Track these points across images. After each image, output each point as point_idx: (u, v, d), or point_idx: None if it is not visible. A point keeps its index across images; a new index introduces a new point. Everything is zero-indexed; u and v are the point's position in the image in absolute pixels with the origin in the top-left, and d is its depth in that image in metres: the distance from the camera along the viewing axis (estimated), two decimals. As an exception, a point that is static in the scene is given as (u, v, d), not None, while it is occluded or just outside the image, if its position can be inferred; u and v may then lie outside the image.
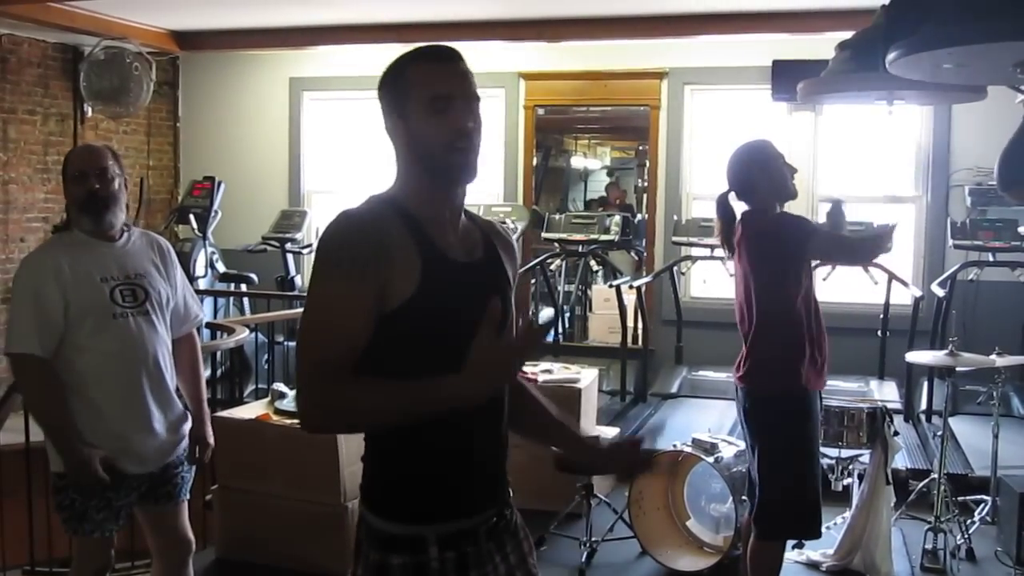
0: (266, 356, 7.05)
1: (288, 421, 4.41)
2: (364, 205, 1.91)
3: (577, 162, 11.01)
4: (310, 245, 8.22)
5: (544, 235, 7.88)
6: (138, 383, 3.11)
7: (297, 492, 4.29)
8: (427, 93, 1.84)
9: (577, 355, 7.73)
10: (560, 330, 8.65)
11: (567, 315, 9.03)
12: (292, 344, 7.23)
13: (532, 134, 8.68)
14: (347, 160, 9.00)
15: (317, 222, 8.39)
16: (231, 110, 9.31)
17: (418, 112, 1.85)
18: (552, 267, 8.26)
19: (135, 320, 3.11)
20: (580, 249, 7.81)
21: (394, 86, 1.89)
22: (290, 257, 8.34)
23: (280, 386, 4.82)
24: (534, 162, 8.82)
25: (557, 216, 7.98)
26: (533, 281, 8.77)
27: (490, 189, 8.56)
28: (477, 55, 8.62)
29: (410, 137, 1.87)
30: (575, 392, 5.31)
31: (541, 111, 8.77)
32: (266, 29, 8.17)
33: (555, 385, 5.39)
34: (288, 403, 4.59)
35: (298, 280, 8.36)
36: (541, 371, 5.56)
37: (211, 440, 3.40)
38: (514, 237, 7.61)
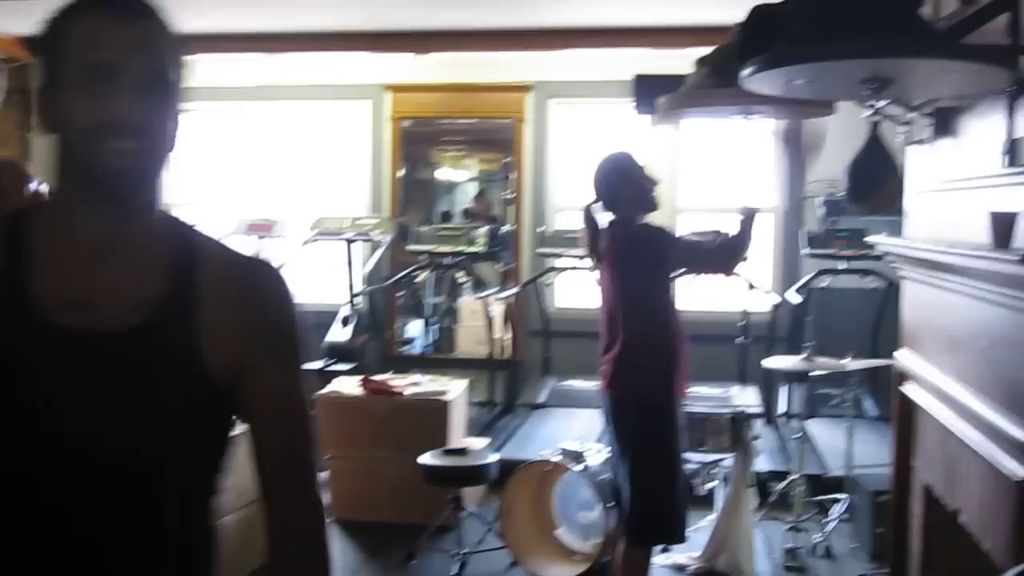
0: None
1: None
2: None
3: (443, 174, 10.99)
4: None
5: (410, 247, 7.84)
6: None
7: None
8: (80, 59, 1.27)
9: (445, 367, 7.70)
10: (427, 342, 8.63)
11: (434, 327, 9.00)
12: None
13: (398, 146, 8.65)
14: (210, 171, 8.79)
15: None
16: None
17: (68, 85, 1.28)
18: (419, 279, 8.23)
19: None
20: (447, 261, 7.81)
21: (45, 45, 1.31)
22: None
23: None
24: (400, 174, 8.79)
25: (423, 228, 7.95)
26: (400, 293, 8.73)
27: (356, 201, 8.49)
28: (342, 67, 8.58)
29: (55, 118, 1.30)
30: (443, 405, 5.30)
31: (407, 123, 8.74)
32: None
33: (423, 398, 5.37)
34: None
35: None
36: (409, 384, 5.53)
37: None
38: (379, 250, 7.61)
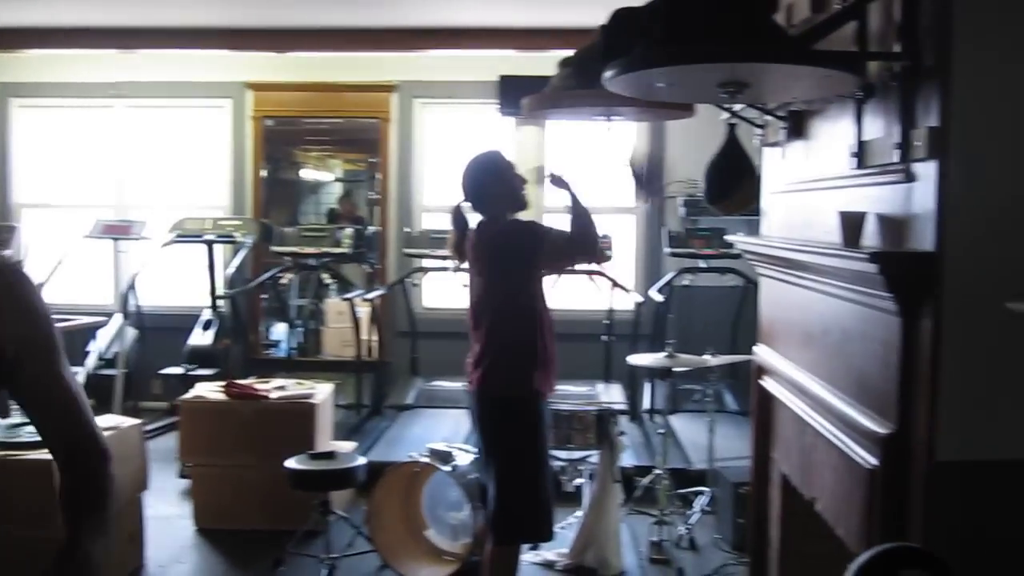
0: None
1: (0, 452, 4.11)
2: None
3: (308, 174, 10.83)
4: (20, 263, 7.66)
5: (274, 249, 7.71)
6: None
7: None
8: None
9: (311, 370, 7.60)
10: (293, 345, 8.50)
11: (300, 330, 8.87)
12: None
13: (260, 146, 8.48)
14: (64, 171, 8.49)
15: (28, 237, 7.84)
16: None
17: None
18: (283, 281, 8.10)
19: None
20: (312, 263, 7.70)
21: None
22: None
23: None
24: (263, 174, 8.62)
25: (288, 229, 7.82)
26: (264, 296, 8.57)
27: (217, 202, 8.30)
28: (202, 64, 8.38)
29: None
30: (310, 408, 5.22)
31: (270, 122, 8.58)
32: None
33: (289, 401, 5.29)
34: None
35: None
36: (274, 387, 5.43)
37: None
38: (242, 252, 7.45)
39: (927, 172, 2.18)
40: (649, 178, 4.37)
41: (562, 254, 3.85)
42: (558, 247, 3.83)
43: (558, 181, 3.94)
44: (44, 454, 3.95)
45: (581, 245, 3.87)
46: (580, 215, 3.86)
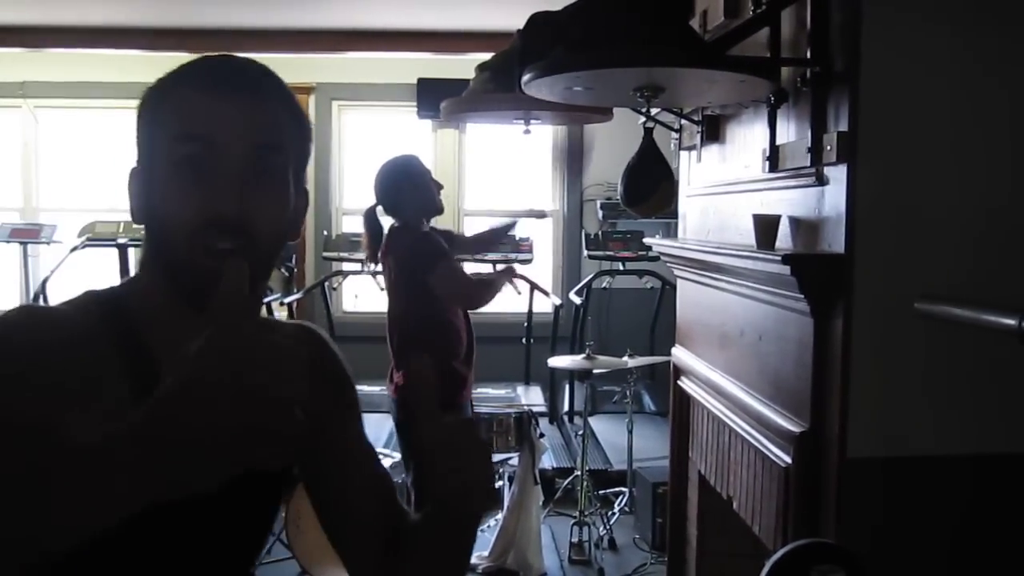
0: None
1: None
2: (66, 305, 1.15)
3: (224, 177, 10.71)
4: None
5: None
6: None
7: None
8: (174, 143, 1.10)
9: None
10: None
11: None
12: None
13: (175, 148, 8.34)
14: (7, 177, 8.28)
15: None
16: None
17: (161, 171, 1.12)
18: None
19: None
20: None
21: (141, 125, 1.18)
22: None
23: None
24: (178, 177, 8.48)
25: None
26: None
27: (119, 205, 8.14)
28: (115, 65, 8.21)
29: (150, 208, 1.14)
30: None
31: (184, 124, 8.44)
32: None
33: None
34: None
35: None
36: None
37: None
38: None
39: (838, 176, 2.22)
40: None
41: (445, 293, 3.83)
42: (444, 285, 3.80)
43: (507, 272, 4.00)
44: None
45: (469, 302, 3.90)
46: (491, 292, 3.90)
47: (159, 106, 1.14)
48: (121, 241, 7.17)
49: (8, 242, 7.44)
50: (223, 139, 1.08)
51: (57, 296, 7.43)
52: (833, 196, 2.25)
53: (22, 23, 7.13)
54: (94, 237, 7.19)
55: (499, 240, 4.42)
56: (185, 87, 1.12)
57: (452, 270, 3.83)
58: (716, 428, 3.11)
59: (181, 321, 1.08)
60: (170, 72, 1.16)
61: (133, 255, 7.39)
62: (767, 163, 2.60)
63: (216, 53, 1.18)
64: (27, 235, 7.45)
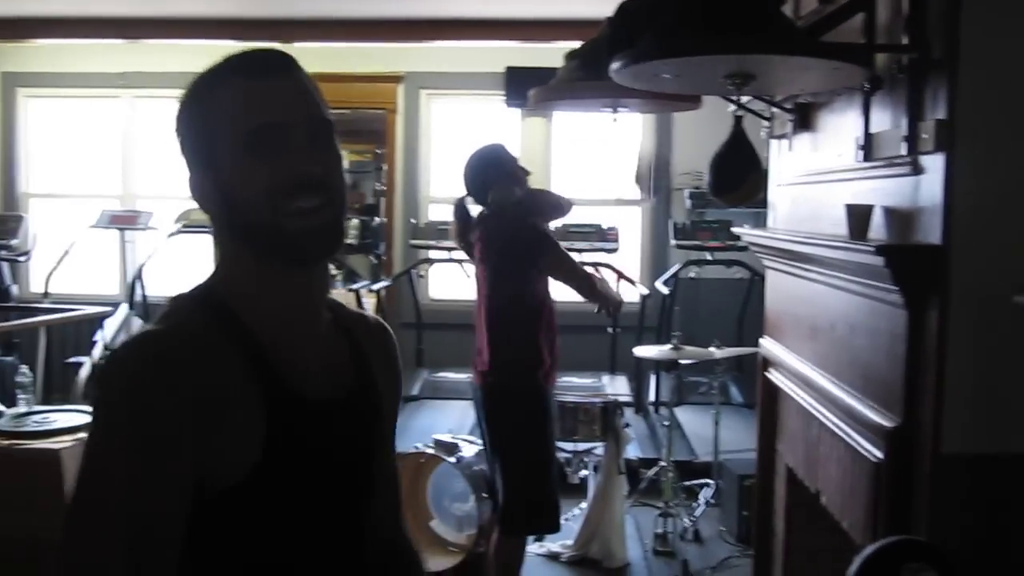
0: (-22, 372, 6.53)
1: (6, 442, 4.11)
2: (174, 319, 1.26)
3: (314, 165, 10.86)
4: (28, 252, 7.69)
5: (281, 239, 7.72)
6: None
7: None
8: (242, 125, 1.23)
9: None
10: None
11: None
12: (8, 359, 6.75)
13: (267, 136, 8.48)
14: (71, 161, 8.50)
15: (36, 227, 7.85)
16: (-67, 107, 8.58)
17: (231, 157, 1.24)
18: (290, 272, 8.11)
19: None
20: (318, 253, 7.70)
21: (196, 119, 1.29)
22: (5, 265, 7.76)
23: (-6, 404, 4.49)
24: (269, 165, 8.63)
25: (295, 220, 7.83)
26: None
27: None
28: (208, 55, 8.36)
29: (222, 197, 1.26)
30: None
31: (276, 113, 8.58)
32: (-28, 20, 7.58)
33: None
34: (5, 422, 4.28)
35: (14, 289, 7.80)
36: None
37: None
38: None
39: (934, 165, 2.17)
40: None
41: (559, 277, 3.84)
42: (554, 269, 3.81)
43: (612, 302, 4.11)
44: (50, 443, 3.98)
45: (580, 290, 3.92)
46: (601, 296, 3.91)
47: (214, 99, 1.26)
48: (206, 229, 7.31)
49: (108, 228, 7.65)
50: (287, 116, 1.24)
51: (153, 281, 7.65)
52: (929, 186, 2.20)
53: (122, 15, 7.32)
54: (189, 224, 7.36)
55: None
56: (238, 78, 1.25)
57: (562, 255, 3.86)
58: (805, 421, 3.07)
59: (281, 305, 1.28)
60: (211, 70, 1.28)
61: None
62: (861, 152, 2.55)
63: (256, 46, 1.31)
64: (125, 221, 7.66)
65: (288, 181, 1.22)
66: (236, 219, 1.26)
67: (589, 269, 5.47)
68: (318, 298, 1.35)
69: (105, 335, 7.51)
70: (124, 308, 7.46)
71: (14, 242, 7.69)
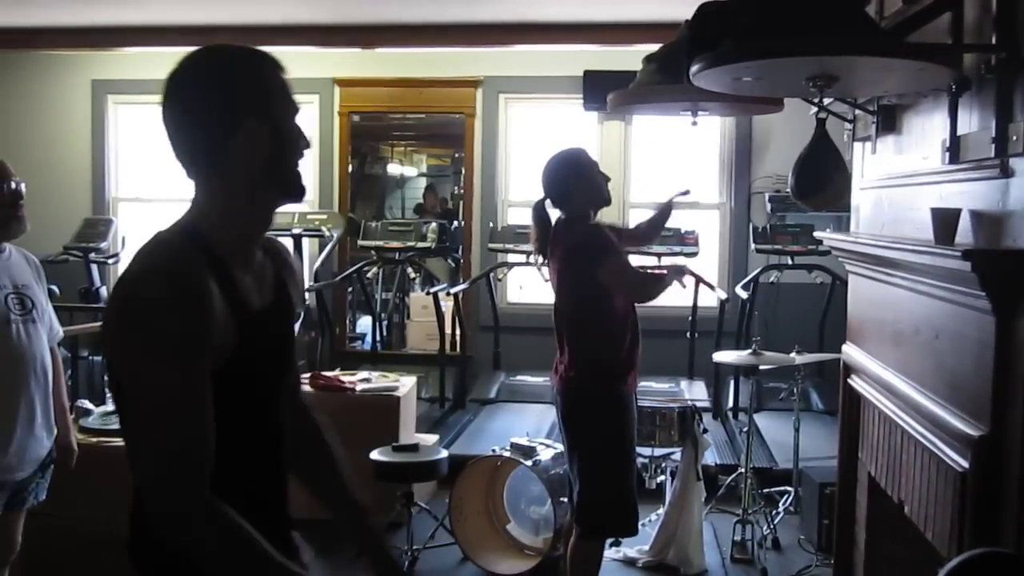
0: (69, 371, 6.72)
1: (94, 439, 4.22)
2: (169, 251, 1.61)
3: (394, 169, 10.96)
4: (116, 255, 7.90)
5: (360, 243, 7.82)
6: (26, 388, 3.22)
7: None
8: (291, 101, 1.72)
9: (395, 363, 7.70)
10: (377, 338, 8.60)
11: (384, 323, 8.98)
12: (97, 359, 6.94)
13: (347, 141, 8.60)
14: (157, 167, 8.70)
15: (124, 230, 8.06)
16: (27, 113, 8.84)
17: (285, 119, 1.70)
18: (369, 275, 8.21)
19: (24, 327, 3.22)
20: (397, 256, 7.79)
21: (256, 84, 1.68)
22: (94, 268, 7.98)
23: (84, 403, 4.61)
24: (349, 169, 8.75)
25: (374, 223, 7.94)
26: (350, 289, 8.69)
27: (305, 196, 8.42)
28: (290, 60, 8.49)
29: (277, 143, 1.68)
30: (394, 400, 5.28)
31: (356, 118, 8.70)
32: (65, 28, 7.79)
33: (373, 394, 5.35)
34: (94, 420, 4.40)
35: (103, 291, 8.01)
36: (359, 380, 5.50)
37: (76, 446, 3.56)
38: (329, 246, 7.56)
39: (1024, 167, 2.12)
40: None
41: (613, 288, 3.79)
42: (613, 281, 3.77)
43: (676, 270, 3.96)
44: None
45: (636, 295, 3.86)
46: (657, 288, 3.85)
47: (273, 76, 1.72)
48: (296, 231, 7.44)
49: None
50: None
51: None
52: (1019, 189, 2.15)
53: (207, 23, 7.47)
54: (271, 227, 7.48)
55: (667, 215, 4.36)
56: (278, 69, 1.73)
57: (621, 264, 3.82)
58: (888, 429, 3.02)
59: (248, 233, 1.73)
60: (255, 52, 1.73)
61: (307, 244, 7.67)
62: (947, 154, 2.51)
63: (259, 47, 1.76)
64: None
65: (305, 143, 1.75)
66: (282, 161, 1.71)
67: (655, 270, 5.40)
68: (260, 237, 1.78)
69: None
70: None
71: (103, 245, 7.91)
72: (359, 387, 5.40)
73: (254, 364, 1.67)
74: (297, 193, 1.77)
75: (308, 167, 8.32)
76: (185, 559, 1.56)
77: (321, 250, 7.73)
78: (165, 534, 1.55)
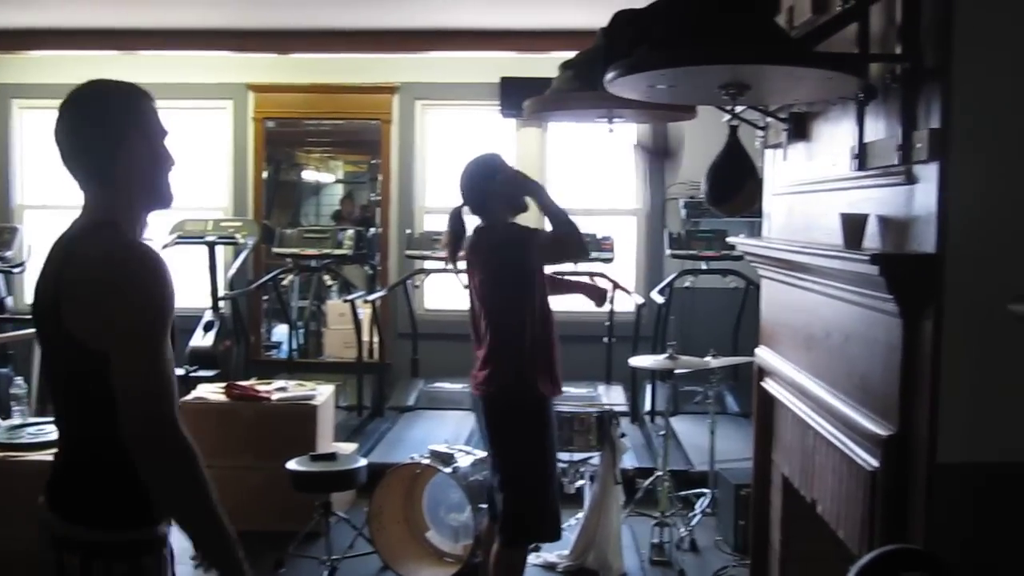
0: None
1: (1, 454, 4.11)
2: (123, 237, 1.99)
3: (309, 176, 10.86)
4: (23, 264, 7.67)
5: (276, 250, 7.72)
6: None
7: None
8: (162, 127, 2.09)
9: (312, 371, 7.62)
10: (294, 346, 8.50)
11: (301, 331, 8.88)
12: (3, 371, 6.75)
13: (262, 147, 8.49)
14: (66, 173, 8.48)
15: (31, 239, 7.84)
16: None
17: (157, 142, 2.06)
18: (285, 283, 8.11)
19: None
20: (313, 264, 7.71)
21: (140, 109, 2.07)
22: (0, 277, 7.76)
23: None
24: (264, 176, 8.63)
25: (289, 231, 7.84)
26: (266, 297, 8.57)
27: (218, 203, 8.30)
28: (203, 66, 8.39)
29: (147, 161, 2.03)
30: (311, 409, 5.23)
31: (271, 124, 8.59)
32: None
33: (290, 403, 5.29)
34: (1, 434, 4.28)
35: (9, 301, 7.79)
36: (276, 389, 5.43)
37: None
38: (244, 253, 7.45)
39: (929, 174, 2.18)
40: (662, 150, 4.39)
41: (553, 252, 3.83)
42: (548, 245, 3.81)
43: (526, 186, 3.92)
44: (46, 455, 3.97)
45: (566, 244, 3.84)
46: (556, 214, 3.83)
47: (150, 106, 2.11)
48: (210, 239, 7.32)
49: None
50: None
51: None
52: (924, 195, 2.21)
53: (117, 27, 7.34)
54: (184, 235, 7.36)
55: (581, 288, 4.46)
56: (143, 97, 2.11)
57: (546, 236, 3.83)
58: (800, 430, 3.07)
59: (143, 231, 2.09)
60: (135, 88, 2.13)
61: (221, 252, 7.55)
62: (855, 161, 2.56)
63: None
64: (119, 232, 7.62)
65: (173, 163, 2.11)
66: (149, 181, 2.06)
67: (584, 279, 5.46)
68: None
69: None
70: (119, 319, 7.44)
71: (8, 253, 7.68)
72: (275, 396, 5.33)
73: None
74: (169, 203, 2.11)
75: (223, 174, 8.23)
76: (118, 485, 1.94)
77: (235, 258, 7.62)
78: (145, 447, 1.86)
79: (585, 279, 6.60)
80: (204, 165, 8.44)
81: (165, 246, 7.35)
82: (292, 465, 4.55)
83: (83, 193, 2.06)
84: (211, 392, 5.46)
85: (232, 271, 7.58)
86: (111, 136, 1.99)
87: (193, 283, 7.73)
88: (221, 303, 7.39)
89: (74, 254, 1.96)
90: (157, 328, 1.91)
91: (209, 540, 1.98)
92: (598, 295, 4.31)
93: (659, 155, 4.65)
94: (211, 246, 7.35)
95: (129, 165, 2.00)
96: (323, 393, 5.46)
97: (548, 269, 3.96)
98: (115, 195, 2.01)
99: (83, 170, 2.05)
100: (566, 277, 4.52)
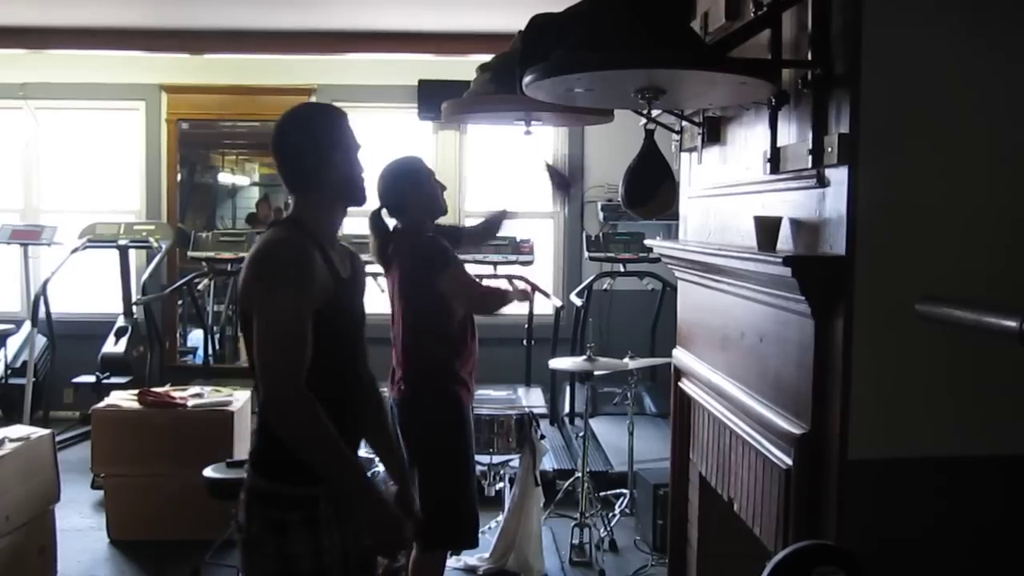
0: None
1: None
2: (287, 232, 2.37)
3: (225, 178, 10.68)
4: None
5: (191, 254, 7.58)
6: None
7: None
8: (356, 141, 2.50)
9: (229, 377, 7.46)
10: (210, 352, 8.37)
11: (217, 336, 8.74)
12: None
13: (175, 149, 8.32)
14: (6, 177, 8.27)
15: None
16: None
17: (351, 153, 2.47)
18: (200, 287, 7.97)
19: None
20: (229, 268, 7.60)
21: (335, 128, 2.48)
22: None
23: None
24: (178, 178, 8.47)
25: (204, 234, 7.71)
26: (180, 302, 8.41)
27: (130, 206, 8.13)
28: (114, 65, 8.20)
29: (339, 172, 2.44)
30: (228, 415, 5.15)
31: (185, 125, 8.43)
32: None
33: (206, 409, 5.20)
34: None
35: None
36: (191, 395, 5.34)
37: None
38: (157, 257, 7.32)
39: (839, 177, 2.23)
40: (565, 178, 4.45)
41: (454, 298, 3.79)
42: (453, 290, 3.76)
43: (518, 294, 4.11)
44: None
45: (477, 308, 3.91)
46: (499, 303, 3.91)
47: (344, 122, 2.53)
48: (122, 242, 7.17)
49: (9, 243, 7.44)
50: None
51: (58, 297, 7.44)
52: (834, 198, 2.25)
53: (23, 24, 7.14)
54: (95, 239, 7.20)
55: (496, 228, 4.43)
56: (341, 118, 2.54)
57: (463, 278, 3.83)
58: (717, 430, 3.12)
59: (334, 231, 2.52)
60: (329, 108, 2.62)
61: (134, 256, 7.40)
62: (768, 165, 2.61)
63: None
64: (28, 236, 7.45)
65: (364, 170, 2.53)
66: (345, 186, 2.47)
67: (503, 283, 5.47)
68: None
69: (7, 354, 7.30)
70: (27, 326, 7.26)
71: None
72: (191, 402, 5.24)
73: (343, 310, 2.42)
74: (363, 201, 2.54)
75: (133, 176, 8.07)
76: (290, 453, 2.24)
77: (149, 262, 7.47)
78: (271, 415, 2.28)
79: (503, 282, 6.63)
80: (116, 167, 8.26)
81: (75, 250, 7.18)
82: (208, 472, 4.48)
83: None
84: (124, 399, 5.34)
85: (146, 275, 7.43)
86: (316, 152, 2.42)
87: (105, 288, 7.57)
88: (134, 308, 7.24)
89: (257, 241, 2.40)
90: (287, 306, 2.23)
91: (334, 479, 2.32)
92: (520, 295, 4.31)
93: (562, 186, 4.77)
94: (123, 250, 7.20)
95: (333, 176, 2.42)
96: (240, 399, 5.38)
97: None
98: (319, 198, 2.44)
99: (288, 181, 2.47)
100: (484, 282, 4.52)
